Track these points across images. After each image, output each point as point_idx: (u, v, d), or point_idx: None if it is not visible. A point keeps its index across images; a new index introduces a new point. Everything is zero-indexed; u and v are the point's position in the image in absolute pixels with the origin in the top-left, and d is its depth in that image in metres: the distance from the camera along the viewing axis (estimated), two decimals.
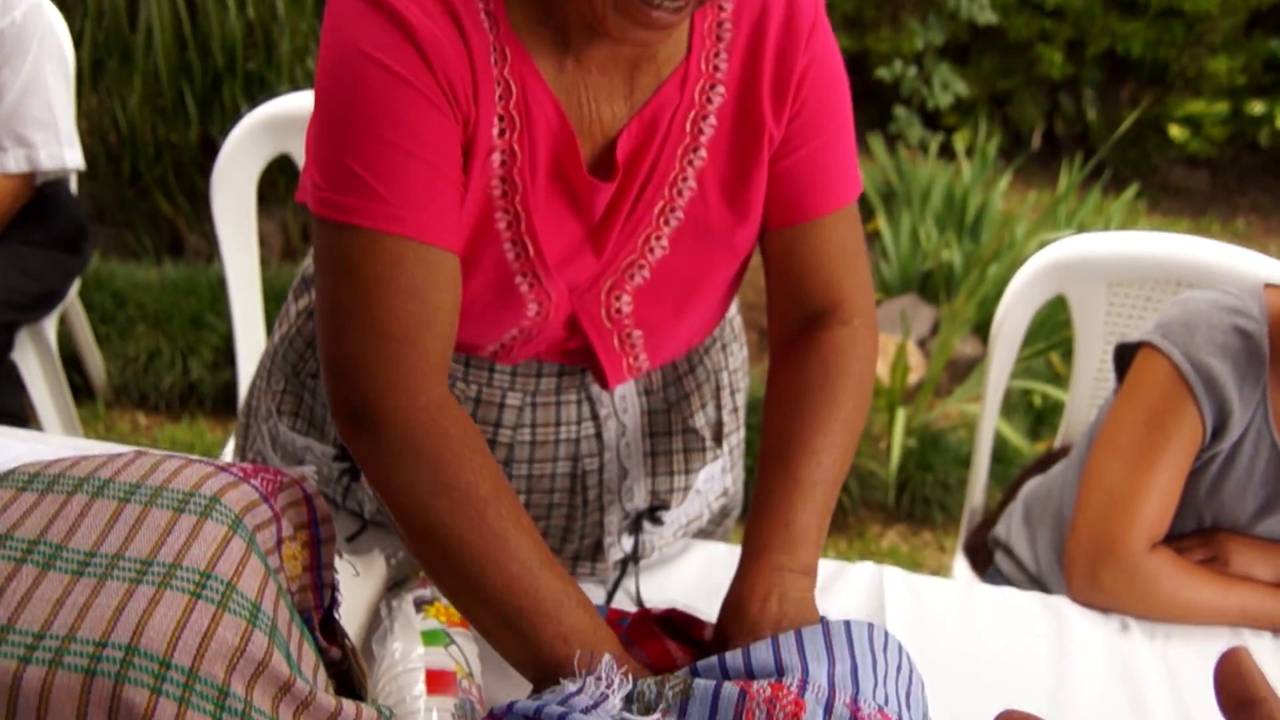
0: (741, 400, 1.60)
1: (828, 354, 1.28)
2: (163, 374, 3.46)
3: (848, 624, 1.04)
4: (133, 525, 0.87)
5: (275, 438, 1.51)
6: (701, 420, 1.48)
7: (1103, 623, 1.56)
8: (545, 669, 1.05)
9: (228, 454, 1.88)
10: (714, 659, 1.02)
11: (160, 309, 3.52)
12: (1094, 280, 2.08)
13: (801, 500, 1.18)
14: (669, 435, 1.46)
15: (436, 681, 1.16)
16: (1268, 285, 1.63)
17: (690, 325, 1.38)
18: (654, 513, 1.46)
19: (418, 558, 1.11)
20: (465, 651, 1.22)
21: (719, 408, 1.53)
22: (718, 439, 1.53)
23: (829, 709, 0.95)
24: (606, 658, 1.01)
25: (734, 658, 1.01)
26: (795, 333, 1.32)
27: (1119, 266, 2.06)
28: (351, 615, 1.27)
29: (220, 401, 3.51)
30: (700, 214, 1.26)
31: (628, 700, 1.00)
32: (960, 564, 2.19)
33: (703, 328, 1.42)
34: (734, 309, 1.55)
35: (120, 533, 0.87)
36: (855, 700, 0.96)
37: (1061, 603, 1.59)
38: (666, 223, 1.26)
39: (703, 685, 0.98)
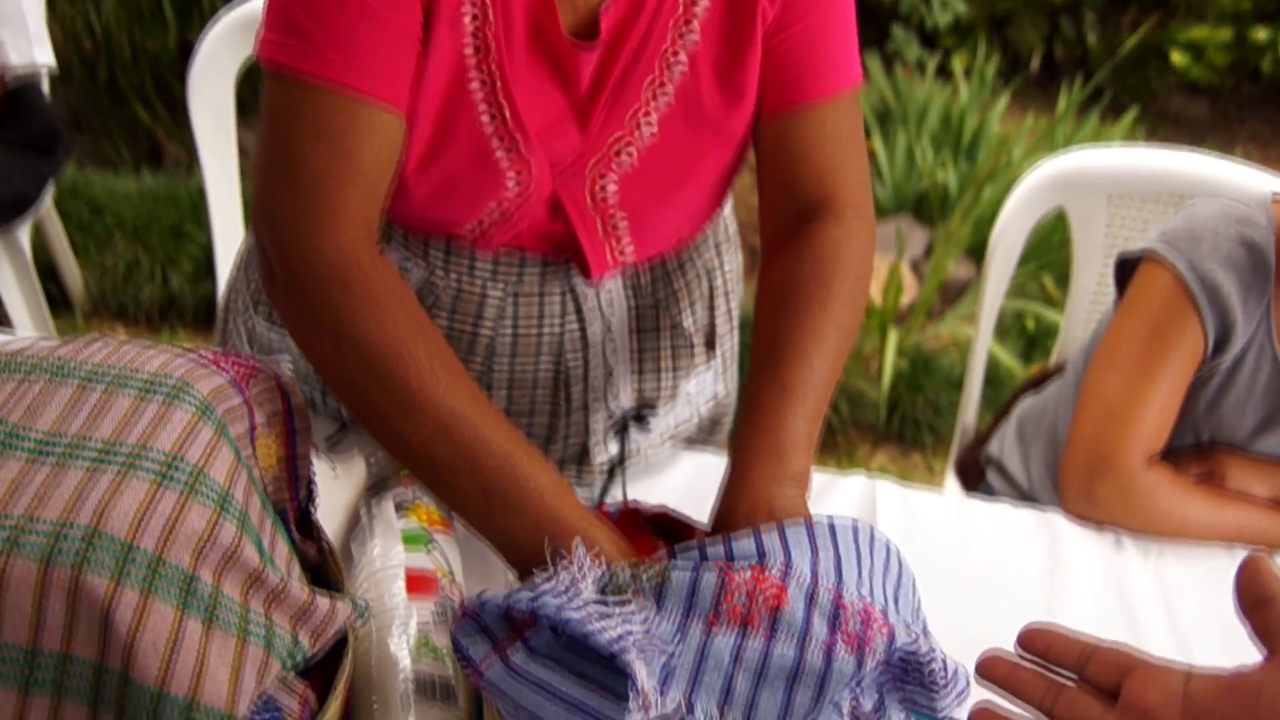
0: (735, 305, 1.56)
1: (822, 250, 1.23)
2: (142, 285, 3.41)
3: (831, 520, 1.00)
4: (94, 408, 0.83)
5: (252, 335, 1.47)
6: (690, 320, 1.44)
7: (1097, 538, 1.54)
8: (497, 518, 1.02)
9: None
10: (693, 544, 0.98)
11: (139, 219, 3.46)
12: (1095, 194, 2.03)
13: (792, 407, 1.13)
14: (656, 333, 1.42)
15: (417, 583, 1.13)
16: (1275, 196, 1.58)
17: (678, 215, 1.33)
18: (640, 414, 1.42)
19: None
20: (446, 553, 1.18)
21: (711, 310, 1.48)
22: (710, 344, 1.49)
23: (811, 598, 0.91)
24: (577, 543, 0.97)
25: (714, 545, 0.97)
26: (787, 227, 1.27)
27: (1121, 180, 2.02)
28: (330, 517, 1.23)
29: (200, 314, 3.46)
30: (692, 96, 1.22)
31: (602, 588, 0.95)
32: (951, 482, 2.17)
33: (692, 220, 1.37)
34: (728, 209, 1.50)
35: (81, 416, 0.83)
36: (839, 590, 0.92)
37: (1055, 517, 1.57)
38: (655, 100, 1.21)
39: (681, 567, 0.94)
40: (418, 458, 1.05)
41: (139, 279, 3.41)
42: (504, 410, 1.38)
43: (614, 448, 1.44)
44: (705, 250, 1.45)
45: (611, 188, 1.24)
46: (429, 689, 1.02)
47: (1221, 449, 1.64)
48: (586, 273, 1.30)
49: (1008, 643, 1.34)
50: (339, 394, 1.10)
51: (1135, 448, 1.54)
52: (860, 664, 0.89)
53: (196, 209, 3.45)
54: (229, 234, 2.23)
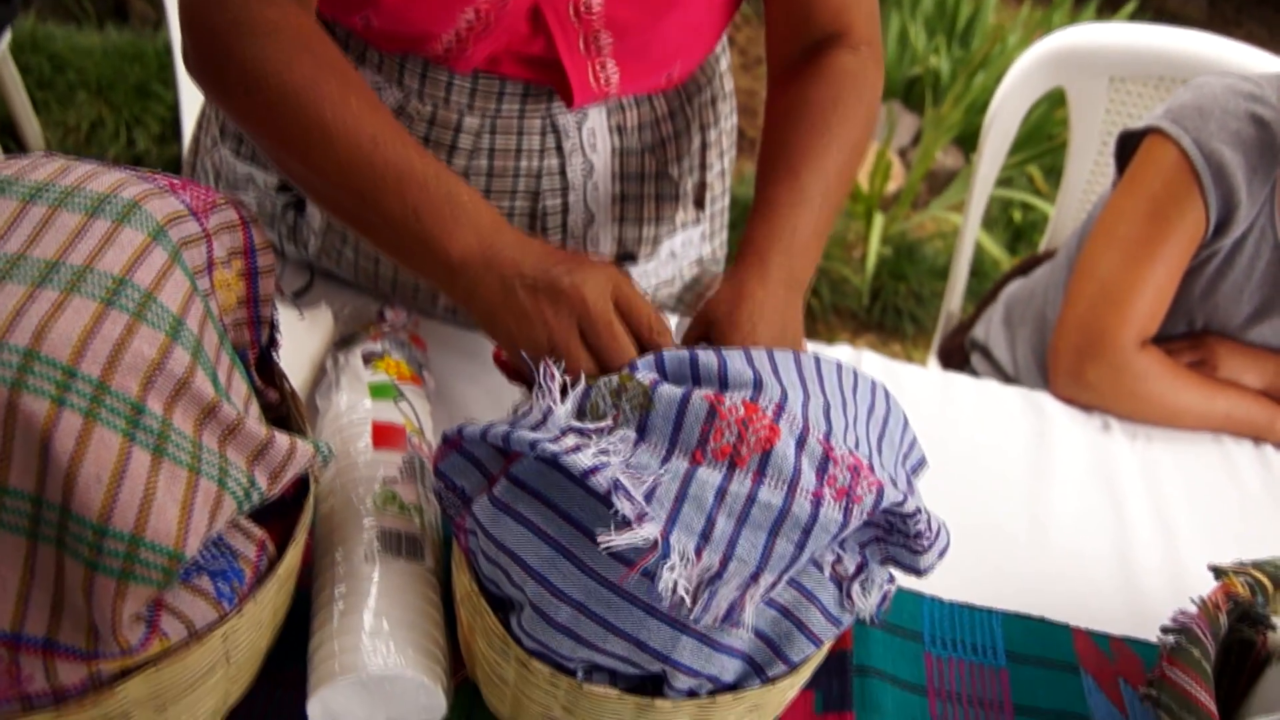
0: (729, 166, 1.50)
1: (836, 77, 1.19)
2: (106, 145, 3.31)
3: (818, 359, 0.96)
4: (37, 226, 0.77)
5: (220, 171, 1.41)
6: (678, 171, 1.38)
7: (1084, 420, 1.51)
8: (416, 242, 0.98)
9: None
10: (685, 353, 0.92)
11: (103, 76, 3.34)
12: (1096, 74, 1.97)
13: (806, 211, 1.09)
14: (641, 179, 1.36)
15: (384, 435, 1.08)
16: None
17: (668, 41, 1.25)
18: (620, 265, 1.37)
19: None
20: (415, 406, 1.14)
21: (703, 168, 1.43)
22: (699, 202, 1.44)
23: (802, 443, 0.86)
24: (547, 368, 0.91)
25: (708, 358, 0.92)
26: (797, 60, 1.23)
27: (1124, 59, 1.96)
28: (296, 371, 1.18)
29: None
30: None
31: (580, 410, 0.90)
32: (934, 366, 2.13)
33: (684, 51, 1.29)
34: (725, 63, 1.44)
35: (22, 233, 0.76)
36: (828, 439, 0.88)
37: (1043, 397, 1.54)
38: None
39: (666, 395, 0.88)
40: (338, 191, 1.00)
41: (103, 138, 3.30)
42: None
43: None
44: (697, 100, 1.38)
45: (596, 1, 1.17)
46: (394, 544, 0.98)
47: (1214, 337, 1.61)
48: (568, 99, 1.23)
49: (992, 518, 1.32)
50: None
51: (1129, 329, 1.50)
52: (846, 518, 0.85)
53: (164, 68, 3.34)
54: (196, 94, 2.14)
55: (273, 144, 1.03)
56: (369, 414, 1.10)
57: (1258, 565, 1.11)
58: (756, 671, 0.89)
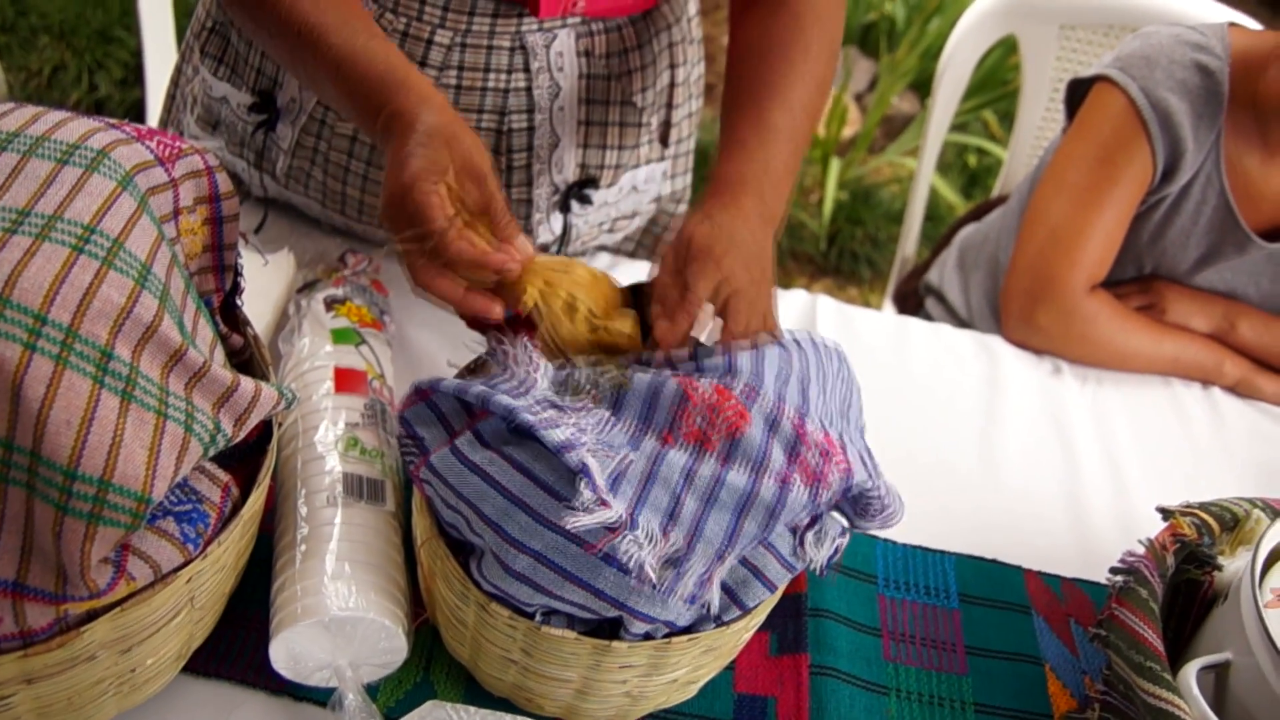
0: (696, 110, 1.51)
1: (798, 7, 1.20)
2: (68, 89, 3.27)
3: (795, 335, 0.98)
4: (7, 175, 0.77)
5: (198, 98, 1.42)
6: (642, 100, 1.39)
7: (1035, 364, 1.54)
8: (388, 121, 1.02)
9: None
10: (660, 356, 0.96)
11: (65, 20, 3.31)
12: (1047, 20, 1.99)
13: (776, 146, 1.10)
14: (605, 105, 1.37)
15: (346, 380, 1.09)
16: (1232, 24, 1.55)
17: None
18: (582, 189, 1.38)
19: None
20: (377, 352, 1.15)
21: (670, 107, 1.44)
22: (664, 139, 1.45)
23: (774, 424, 0.89)
24: (523, 342, 0.94)
25: (683, 358, 0.94)
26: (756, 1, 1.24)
27: (1073, 8, 1.98)
28: (258, 317, 1.19)
29: (130, 120, 3.34)
30: None
31: (558, 386, 0.93)
32: (889, 310, 2.16)
33: None
34: (694, 8, 1.45)
35: None
36: (802, 419, 0.90)
37: (995, 341, 1.56)
38: None
39: (642, 379, 0.91)
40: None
41: (65, 82, 3.27)
42: None
43: (557, 224, 1.40)
44: (665, 35, 1.39)
45: None
46: (356, 488, 1.00)
47: (1163, 281, 1.63)
48: (535, 8, 1.24)
49: (944, 461, 1.35)
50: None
51: (1078, 274, 1.53)
52: (814, 500, 0.88)
53: (126, 13, 3.30)
54: (159, 39, 2.13)
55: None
56: (331, 359, 1.12)
57: (1204, 506, 1.13)
58: (713, 618, 0.91)
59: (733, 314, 0.99)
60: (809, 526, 0.93)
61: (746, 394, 0.89)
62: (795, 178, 1.12)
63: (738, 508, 0.87)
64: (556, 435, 0.85)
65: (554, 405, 0.89)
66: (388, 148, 0.99)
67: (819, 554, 0.93)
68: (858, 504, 0.96)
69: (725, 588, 0.91)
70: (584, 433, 0.87)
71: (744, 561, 0.91)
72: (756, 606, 0.93)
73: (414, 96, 1.00)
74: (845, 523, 0.97)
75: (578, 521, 0.82)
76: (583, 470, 0.83)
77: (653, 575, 0.83)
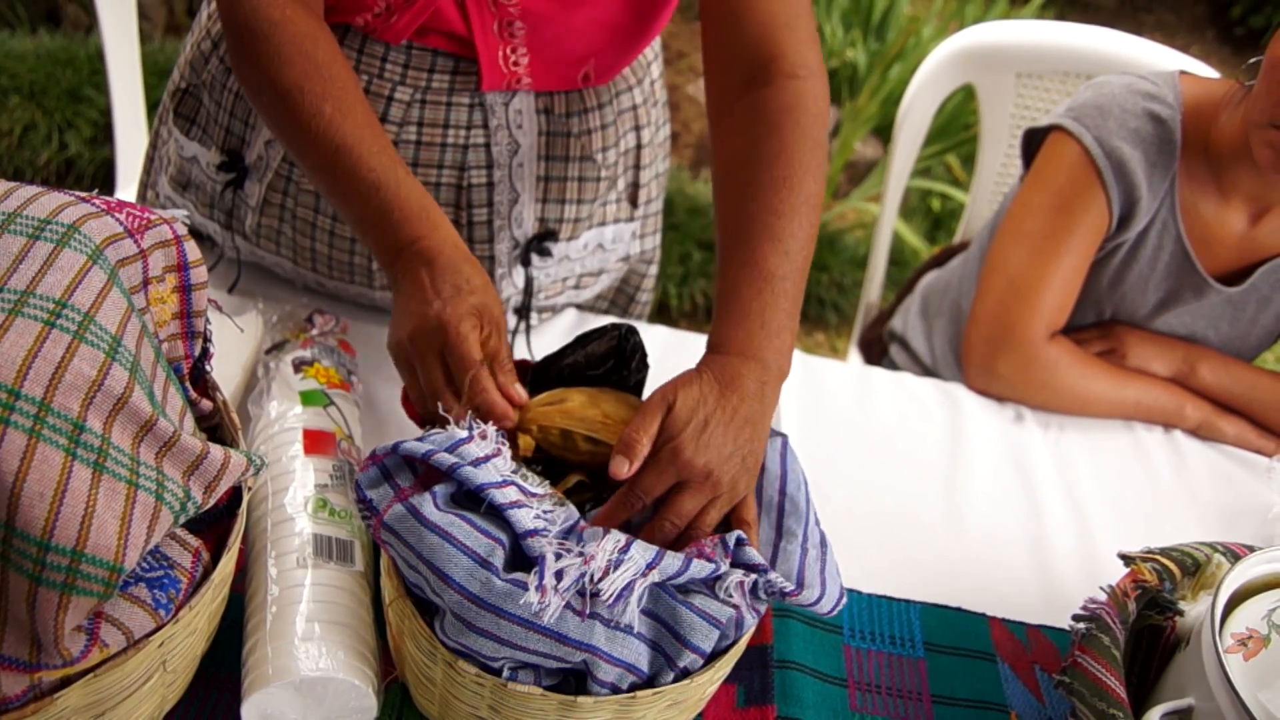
0: (663, 170, 1.53)
1: (777, 117, 1.16)
2: (39, 149, 3.28)
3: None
4: None
5: (172, 159, 1.45)
6: (603, 158, 1.41)
7: (998, 411, 1.55)
8: (386, 244, 1.10)
9: None
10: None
11: (35, 81, 3.31)
12: (1003, 69, 2.02)
13: (773, 295, 1.08)
14: (565, 161, 1.38)
15: (314, 442, 1.10)
16: (1183, 73, 1.59)
17: (581, 36, 1.28)
18: (541, 241, 1.40)
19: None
20: (345, 413, 1.16)
21: (638, 168, 1.46)
22: (633, 200, 1.48)
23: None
24: (491, 428, 0.98)
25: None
26: (735, 91, 1.20)
27: (1029, 56, 2.01)
28: (227, 380, 1.20)
29: (99, 178, 3.34)
30: None
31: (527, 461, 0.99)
32: (854, 357, 2.18)
33: (598, 50, 1.32)
34: (657, 70, 1.47)
35: None
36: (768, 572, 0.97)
37: (957, 389, 1.58)
38: None
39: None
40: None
41: (35, 142, 3.27)
42: None
43: (519, 279, 1.42)
44: (628, 97, 1.42)
45: None
46: (326, 549, 1.01)
47: (1123, 326, 1.66)
48: (480, 80, 1.28)
49: (909, 510, 1.36)
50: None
51: (1038, 322, 1.55)
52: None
53: (96, 72, 3.31)
54: (128, 97, 2.14)
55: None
56: (300, 421, 1.13)
57: (1165, 552, 1.14)
58: (667, 661, 0.92)
59: (674, 507, 1.01)
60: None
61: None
62: (797, 319, 1.11)
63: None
64: (523, 520, 0.91)
65: (520, 489, 0.94)
66: (405, 274, 1.07)
67: (760, 605, 0.96)
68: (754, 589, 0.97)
69: (666, 624, 0.92)
70: (550, 526, 0.93)
71: (688, 603, 0.93)
72: (719, 655, 0.95)
73: (440, 235, 1.09)
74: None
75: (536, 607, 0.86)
76: (541, 561, 0.88)
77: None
